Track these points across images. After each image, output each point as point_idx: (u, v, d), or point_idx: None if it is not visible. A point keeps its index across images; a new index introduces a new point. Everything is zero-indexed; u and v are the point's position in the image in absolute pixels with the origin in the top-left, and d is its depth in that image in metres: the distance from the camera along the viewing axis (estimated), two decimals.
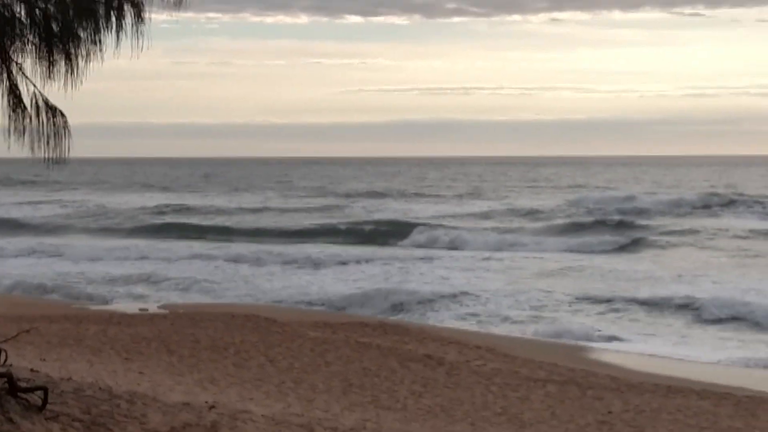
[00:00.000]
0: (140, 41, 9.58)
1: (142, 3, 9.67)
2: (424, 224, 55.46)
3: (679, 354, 22.31)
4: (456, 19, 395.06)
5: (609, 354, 22.02)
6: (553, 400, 15.84)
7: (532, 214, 64.72)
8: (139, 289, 33.29)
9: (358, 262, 39.81)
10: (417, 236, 51.52)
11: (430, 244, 49.15)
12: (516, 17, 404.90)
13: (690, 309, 27.30)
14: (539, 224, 57.44)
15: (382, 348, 20.01)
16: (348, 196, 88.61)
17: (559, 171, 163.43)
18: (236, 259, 40.51)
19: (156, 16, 9.73)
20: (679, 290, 30.31)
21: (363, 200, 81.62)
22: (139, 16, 9.64)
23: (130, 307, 27.30)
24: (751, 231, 51.00)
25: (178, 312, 25.50)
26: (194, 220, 62.93)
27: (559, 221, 58.01)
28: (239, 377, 16.60)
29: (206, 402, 12.04)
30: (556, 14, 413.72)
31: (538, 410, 15.09)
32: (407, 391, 16.07)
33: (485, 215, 64.97)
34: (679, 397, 16.39)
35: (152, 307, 27.37)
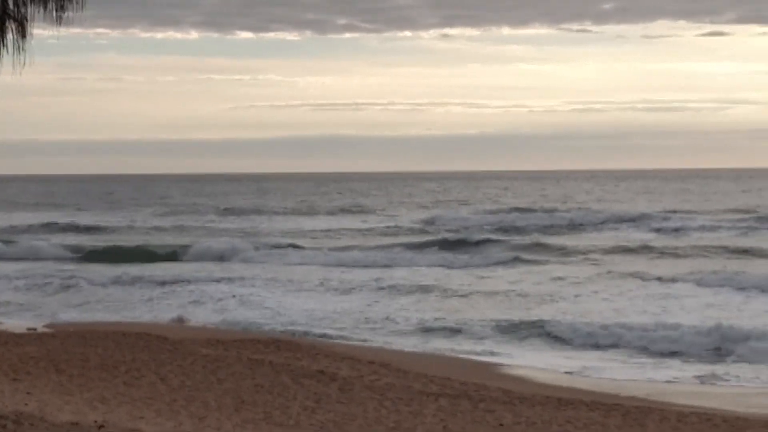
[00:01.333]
0: (23, 57, 9.46)
1: (25, 19, 9.55)
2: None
3: (567, 367, 22.55)
4: (347, 35, 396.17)
5: (502, 368, 22.17)
6: (446, 413, 15.91)
7: (376, 231, 64.92)
8: (24, 308, 32.73)
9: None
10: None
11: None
12: (407, 33, 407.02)
13: (557, 328, 27.06)
14: (387, 240, 57.16)
15: (275, 364, 19.93)
16: (223, 213, 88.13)
17: (444, 185, 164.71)
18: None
19: (42, 32, 9.62)
20: (547, 309, 30.40)
21: (231, 218, 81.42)
22: (21, 33, 9.52)
23: (18, 327, 26.83)
24: (616, 247, 50.61)
25: (68, 330, 25.13)
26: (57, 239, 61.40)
27: (406, 239, 57.87)
28: (130, 396, 16.42)
29: (95, 421, 11.90)
30: (446, 30, 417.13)
31: (431, 424, 15.14)
32: (300, 407, 16.02)
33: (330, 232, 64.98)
34: (569, 409, 16.56)
35: (40, 326, 26.94)
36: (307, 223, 75.73)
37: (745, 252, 47.84)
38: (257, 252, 51.05)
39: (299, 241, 57.23)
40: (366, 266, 44.77)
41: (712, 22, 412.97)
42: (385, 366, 20.54)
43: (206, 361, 20.07)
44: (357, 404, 16.42)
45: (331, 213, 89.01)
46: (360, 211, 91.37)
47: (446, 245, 52.31)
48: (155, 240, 59.80)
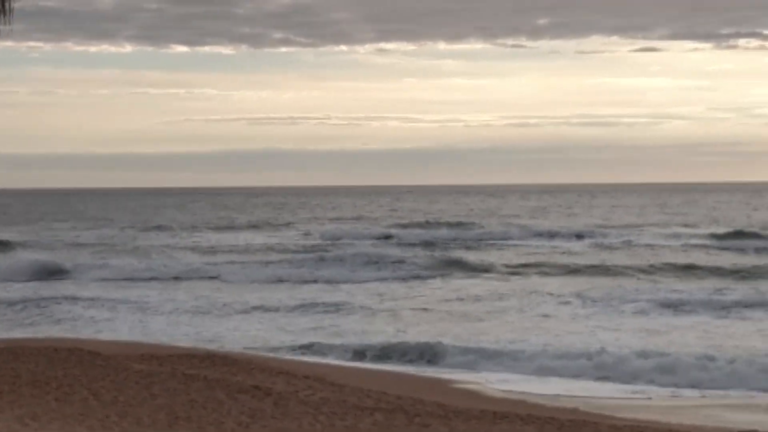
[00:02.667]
0: None
1: None
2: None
3: (499, 380, 22.65)
4: (283, 49, 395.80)
5: (438, 382, 22.21)
6: (381, 428, 15.90)
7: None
8: None
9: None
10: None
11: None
12: (343, 47, 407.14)
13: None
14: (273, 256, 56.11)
15: (210, 380, 19.83)
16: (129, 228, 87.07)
17: (371, 200, 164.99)
18: None
19: None
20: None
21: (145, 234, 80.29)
22: None
23: None
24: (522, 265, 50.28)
25: None
26: None
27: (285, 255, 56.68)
28: (61, 412, 16.25)
29: None
30: (382, 45, 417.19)
31: None
32: (234, 423, 15.95)
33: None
34: (504, 423, 16.60)
35: None
36: (212, 237, 74.77)
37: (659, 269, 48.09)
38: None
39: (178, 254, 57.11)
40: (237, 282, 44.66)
41: (644, 38, 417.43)
42: (320, 380, 20.50)
43: (139, 376, 19.91)
44: (292, 419, 16.37)
45: (238, 228, 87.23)
46: (272, 225, 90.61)
47: (322, 260, 51.15)
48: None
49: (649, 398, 20.83)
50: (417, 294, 39.39)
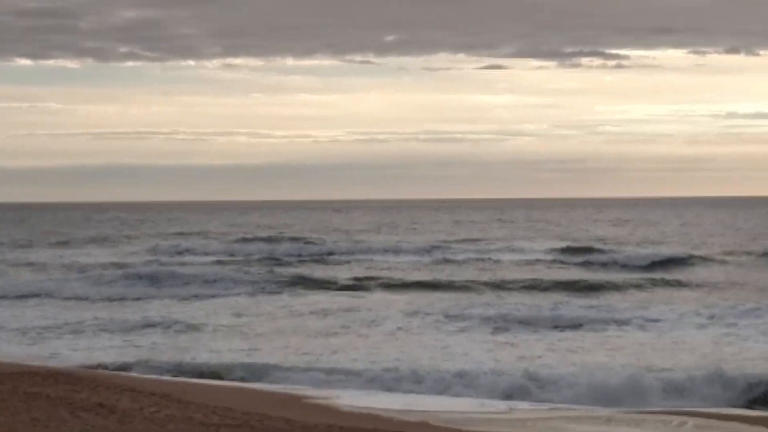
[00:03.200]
0: None
1: None
2: None
3: (349, 395, 22.66)
4: (129, 64, 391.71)
5: (288, 398, 22.14)
6: None
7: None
8: None
9: None
10: None
11: None
12: (190, 62, 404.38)
13: None
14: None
15: (52, 398, 19.42)
16: None
17: (214, 216, 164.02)
18: None
19: None
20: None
21: None
22: None
23: None
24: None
25: None
26: None
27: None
28: None
29: None
30: (230, 60, 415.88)
31: None
32: None
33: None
34: None
35: None
36: (48, 253, 73.23)
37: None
38: None
39: None
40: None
41: (490, 56, 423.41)
42: (166, 397, 20.24)
43: None
44: None
45: (77, 244, 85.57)
46: (112, 241, 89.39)
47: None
48: None
49: (506, 411, 20.99)
50: (259, 310, 39.16)
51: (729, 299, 40.30)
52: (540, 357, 27.10)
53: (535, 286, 47.32)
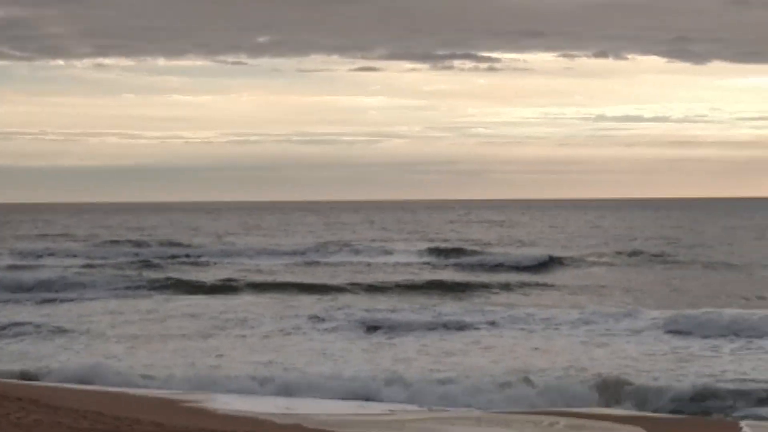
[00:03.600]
0: None
1: None
2: None
3: (226, 399, 22.48)
4: None
5: (163, 402, 21.87)
6: None
7: None
8: None
9: None
10: None
11: None
12: (60, 62, 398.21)
13: None
14: None
15: None
16: None
17: (86, 217, 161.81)
18: None
19: None
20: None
21: None
22: None
23: None
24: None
25: None
26: None
27: None
28: None
29: None
30: (100, 60, 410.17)
31: None
32: None
33: None
34: None
35: None
36: None
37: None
38: None
39: None
40: None
41: (364, 58, 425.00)
42: (34, 402, 19.81)
43: None
44: None
45: None
46: None
47: None
48: None
49: (384, 413, 20.96)
50: (129, 313, 38.46)
51: (598, 301, 40.87)
52: (415, 359, 27.12)
53: (408, 288, 47.46)
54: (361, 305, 38.84)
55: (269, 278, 52.10)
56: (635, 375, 24.30)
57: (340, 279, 51.16)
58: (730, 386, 22.65)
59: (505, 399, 22.54)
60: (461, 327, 32.80)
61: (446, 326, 33.07)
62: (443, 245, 74.19)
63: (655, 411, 21.54)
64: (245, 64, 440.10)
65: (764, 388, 22.42)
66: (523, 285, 48.42)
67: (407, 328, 32.90)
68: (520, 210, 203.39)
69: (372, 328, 33.01)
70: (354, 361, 26.52)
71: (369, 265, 61.36)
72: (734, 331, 30.01)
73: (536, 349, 28.85)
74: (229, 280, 50.30)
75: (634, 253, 66.26)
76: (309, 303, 40.21)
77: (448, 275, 53.67)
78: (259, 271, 56.66)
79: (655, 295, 43.06)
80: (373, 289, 47.32)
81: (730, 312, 32.73)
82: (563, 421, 20.09)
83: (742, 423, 19.81)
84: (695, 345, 28.64)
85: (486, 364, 26.15)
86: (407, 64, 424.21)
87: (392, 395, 22.78)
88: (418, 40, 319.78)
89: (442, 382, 23.47)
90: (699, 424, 20.14)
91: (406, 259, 65.14)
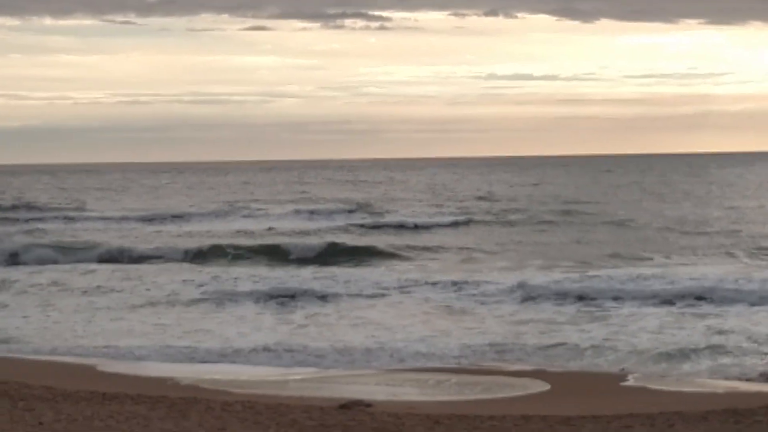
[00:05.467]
0: None
1: None
2: None
3: (114, 362, 22.28)
4: None
5: (48, 365, 21.65)
6: None
7: None
8: None
9: None
10: None
11: None
12: None
13: None
14: None
15: None
16: None
17: None
18: None
19: None
20: None
21: None
22: None
23: None
24: None
25: None
26: None
27: None
28: None
29: None
30: None
31: None
32: None
33: None
34: (114, 404, 16.30)
35: None
36: None
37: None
38: None
39: None
40: None
41: (254, 17, 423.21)
42: None
43: None
44: None
45: None
46: None
47: None
48: None
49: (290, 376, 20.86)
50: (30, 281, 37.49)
51: (478, 264, 39.58)
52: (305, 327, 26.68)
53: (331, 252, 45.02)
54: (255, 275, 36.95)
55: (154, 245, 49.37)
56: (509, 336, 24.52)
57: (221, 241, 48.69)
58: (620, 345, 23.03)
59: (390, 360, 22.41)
60: (345, 295, 31.63)
61: (334, 294, 31.91)
62: (333, 207, 72.05)
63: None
64: (134, 23, 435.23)
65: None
66: (408, 248, 46.36)
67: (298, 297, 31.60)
68: (414, 169, 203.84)
69: (270, 298, 31.49)
70: (245, 330, 26.24)
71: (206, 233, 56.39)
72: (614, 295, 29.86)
73: (417, 314, 28.33)
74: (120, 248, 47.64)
75: (509, 211, 65.54)
76: (200, 270, 38.69)
77: (336, 238, 51.56)
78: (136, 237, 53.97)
79: (537, 255, 41.53)
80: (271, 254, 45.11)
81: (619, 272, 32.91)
82: (455, 378, 20.28)
83: (630, 376, 20.17)
84: (570, 310, 28.40)
85: (367, 332, 25.69)
86: (298, 23, 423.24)
87: (292, 360, 22.60)
88: None
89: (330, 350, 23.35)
90: (588, 376, 20.44)
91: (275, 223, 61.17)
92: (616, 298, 29.34)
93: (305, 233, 52.84)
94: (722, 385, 19.20)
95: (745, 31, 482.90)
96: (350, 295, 31.39)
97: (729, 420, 15.07)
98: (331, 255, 43.75)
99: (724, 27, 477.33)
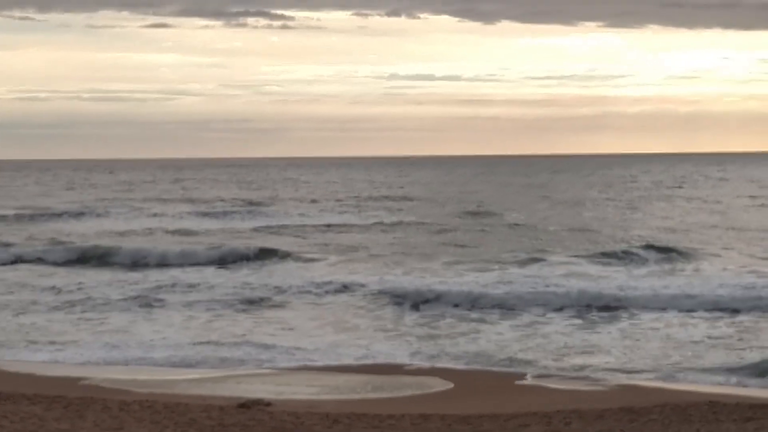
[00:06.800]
0: None
1: None
2: None
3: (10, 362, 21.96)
4: None
5: None
6: None
7: None
8: None
9: None
10: None
11: None
12: None
13: None
14: None
15: None
16: None
17: None
18: None
19: None
20: None
21: None
22: None
23: None
24: None
25: None
26: None
27: None
28: None
29: None
30: None
31: None
32: None
33: None
34: (8, 404, 16.05)
35: None
36: None
37: None
38: None
39: None
40: None
41: (155, 14, 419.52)
42: None
43: None
44: None
45: None
46: None
47: None
48: None
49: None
50: None
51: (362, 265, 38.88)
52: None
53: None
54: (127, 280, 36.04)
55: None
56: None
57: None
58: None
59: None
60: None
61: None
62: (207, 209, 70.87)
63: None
64: (33, 19, 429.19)
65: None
66: (299, 248, 44.61)
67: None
68: (317, 167, 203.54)
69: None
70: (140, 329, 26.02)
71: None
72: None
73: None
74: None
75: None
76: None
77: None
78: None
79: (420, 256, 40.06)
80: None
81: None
82: (358, 377, 20.30)
83: (528, 375, 20.35)
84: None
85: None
86: (200, 21, 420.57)
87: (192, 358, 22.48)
88: None
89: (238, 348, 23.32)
90: (490, 375, 20.60)
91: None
92: (501, 305, 28.78)
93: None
94: (620, 384, 19.44)
95: (642, 35, 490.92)
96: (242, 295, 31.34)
97: (624, 418, 15.27)
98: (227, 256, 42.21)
99: (623, 30, 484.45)
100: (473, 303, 29.06)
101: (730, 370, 20.37)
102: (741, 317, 26.78)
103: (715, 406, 15.91)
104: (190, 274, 35.69)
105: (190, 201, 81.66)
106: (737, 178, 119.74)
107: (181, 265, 38.70)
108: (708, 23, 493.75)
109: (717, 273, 33.78)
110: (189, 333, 25.43)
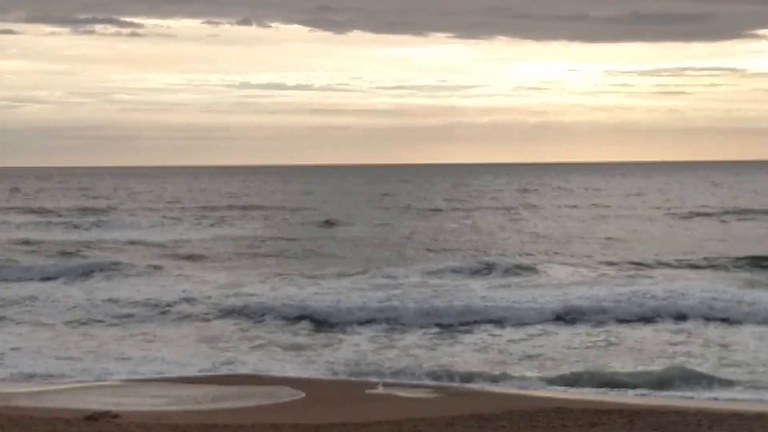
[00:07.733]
0: None
1: None
2: None
3: None
4: None
5: None
6: None
7: None
8: None
9: None
10: None
11: None
12: None
13: None
14: None
15: None
16: None
17: None
18: None
19: None
20: None
21: None
22: None
23: None
24: None
25: None
26: None
27: None
28: None
29: None
30: None
31: None
32: None
33: None
34: None
35: None
36: None
37: None
38: None
39: None
40: None
41: (1, 21, 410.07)
42: None
43: None
44: None
45: None
46: None
47: None
48: None
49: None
50: None
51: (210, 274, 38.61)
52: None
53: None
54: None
55: None
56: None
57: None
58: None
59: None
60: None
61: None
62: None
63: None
64: None
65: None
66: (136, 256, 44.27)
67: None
68: (168, 176, 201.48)
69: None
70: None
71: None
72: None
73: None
74: None
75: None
76: None
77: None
78: None
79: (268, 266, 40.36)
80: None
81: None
82: (207, 388, 20.14)
83: (379, 385, 20.44)
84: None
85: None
86: (47, 28, 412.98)
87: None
88: (59, 3, 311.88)
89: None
90: (342, 384, 20.63)
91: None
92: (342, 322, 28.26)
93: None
94: (471, 391, 19.65)
95: (491, 46, 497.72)
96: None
97: (474, 425, 15.41)
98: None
99: (472, 41, 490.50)
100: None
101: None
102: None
103: (562, 412, 16.17)
104: (31, 288, 34.79)
105: (31, 211, 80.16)
106: (578, 188, 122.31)
107: (19, 279, 37.74)
108: (555, 35, 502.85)
109: (555, 282, 34.33)
110: (34, 346, 24.95)
